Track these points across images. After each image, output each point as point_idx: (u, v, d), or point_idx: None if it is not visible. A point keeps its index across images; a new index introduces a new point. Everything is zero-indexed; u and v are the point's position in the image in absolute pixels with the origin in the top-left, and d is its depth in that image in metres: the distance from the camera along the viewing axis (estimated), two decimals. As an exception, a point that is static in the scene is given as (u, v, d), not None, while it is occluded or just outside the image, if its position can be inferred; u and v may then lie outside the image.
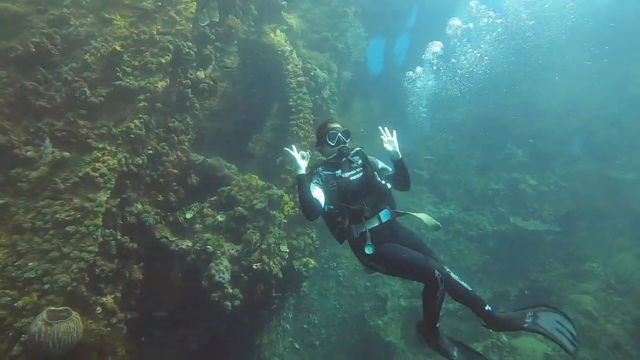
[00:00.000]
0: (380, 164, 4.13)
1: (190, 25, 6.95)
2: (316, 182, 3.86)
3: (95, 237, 5.57)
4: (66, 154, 5.87)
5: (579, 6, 14.25)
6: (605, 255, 12.68)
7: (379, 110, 14.71)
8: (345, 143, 3.97)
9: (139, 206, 6.49)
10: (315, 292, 13.25)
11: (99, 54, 6.49)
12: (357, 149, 4.12)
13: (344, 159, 3.97)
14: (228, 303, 6.63)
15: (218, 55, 7.82)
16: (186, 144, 7.27)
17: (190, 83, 7.14)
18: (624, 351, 10.44)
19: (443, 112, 16.22)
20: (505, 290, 12.20)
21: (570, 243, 13.02)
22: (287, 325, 11.97)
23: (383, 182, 3.91)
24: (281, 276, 7.26)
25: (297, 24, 10.81)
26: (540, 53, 14.94)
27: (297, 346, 12.47)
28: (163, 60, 6.51)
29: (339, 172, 3.90)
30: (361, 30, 11.86)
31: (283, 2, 9.72)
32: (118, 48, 6.44)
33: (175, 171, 6.96)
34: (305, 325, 12.77)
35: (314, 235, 9.30)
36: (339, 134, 3.97)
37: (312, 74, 9.66)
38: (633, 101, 15.46)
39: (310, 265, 8.67)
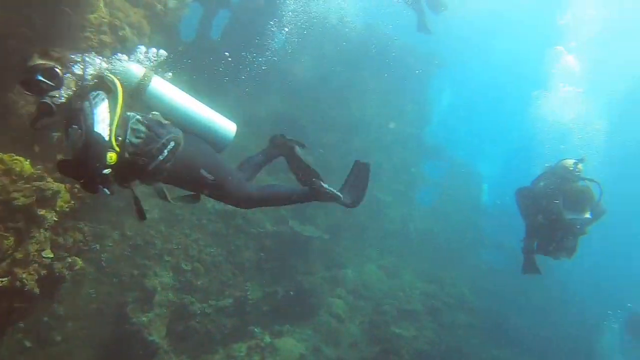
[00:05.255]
0: None
1: None
2: None
3: None
4: None
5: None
6: (357, 264, 14.86)
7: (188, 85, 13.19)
8: None
9: None
10: (65, 277, 11.02)
11: None
12: None
13: None
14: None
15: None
16: None
17: None
18: (358, 348, 12.46)
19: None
20: (274, 290, 12.78)
21: (334, 250, 14.68)
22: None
23: None
24: (37, 292, 5.55)
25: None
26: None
27: (27, 344, 10.10)
28: None
29: None
30: (186, -5, 10.17)
31: None
32: None
33: None
34: (45, 318, 10.45)
35: (86, 230, 7.61)
36: None
37: (120, 34, 7.66)
38: (401, 134, 18.52)
39: (77, 267, 7.05)
